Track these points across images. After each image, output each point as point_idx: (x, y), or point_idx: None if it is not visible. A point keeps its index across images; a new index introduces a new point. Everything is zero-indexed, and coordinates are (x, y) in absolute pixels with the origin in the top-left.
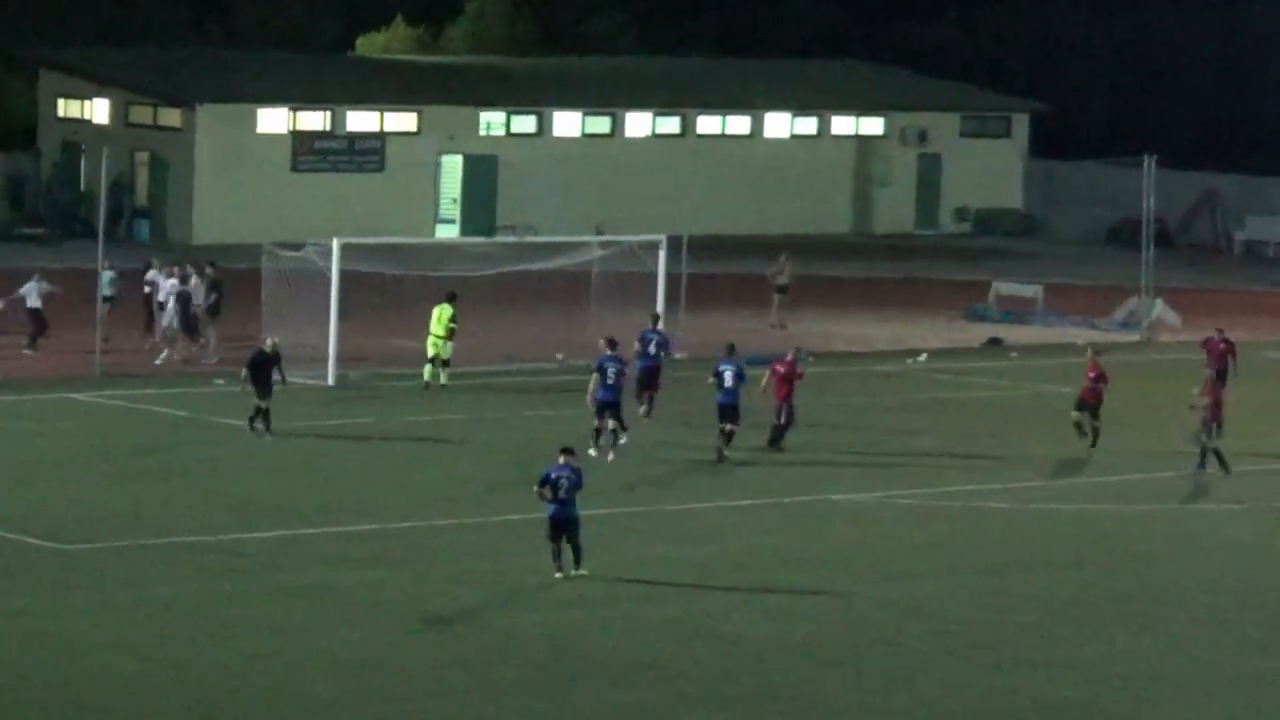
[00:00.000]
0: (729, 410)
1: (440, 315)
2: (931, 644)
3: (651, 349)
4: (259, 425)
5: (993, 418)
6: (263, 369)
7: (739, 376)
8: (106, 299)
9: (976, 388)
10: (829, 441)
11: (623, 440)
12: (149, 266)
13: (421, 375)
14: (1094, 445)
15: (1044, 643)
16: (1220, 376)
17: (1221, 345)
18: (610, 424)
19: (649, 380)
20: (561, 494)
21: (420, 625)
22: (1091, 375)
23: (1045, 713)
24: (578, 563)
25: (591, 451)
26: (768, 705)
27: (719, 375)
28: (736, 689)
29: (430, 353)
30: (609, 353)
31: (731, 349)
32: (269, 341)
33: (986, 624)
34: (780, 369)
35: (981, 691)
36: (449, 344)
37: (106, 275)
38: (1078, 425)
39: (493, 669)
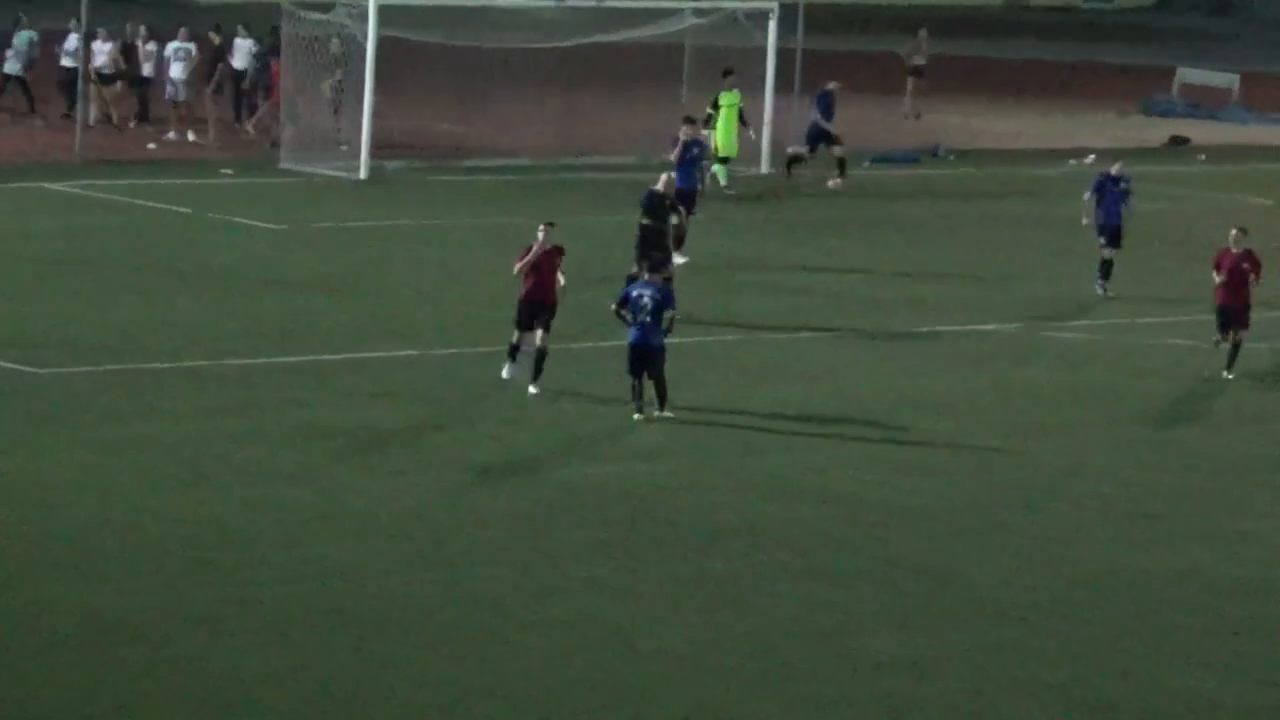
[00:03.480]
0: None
1: (725, 101)
2: (1083, 512)
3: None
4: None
5: (1174, 235)
6: (656, 220)
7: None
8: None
9: (1155, 198)
10: (967, 261)
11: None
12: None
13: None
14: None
15: (1222, 511)
16: None
17: None
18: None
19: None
20: (644, 317)
21: (466, 476)
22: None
23: (1223, 597)
24: (661, 403)
25: (678, 259)
26: (885, 578)
27: None
28: (847, 560)
29: (722, 153)
30: (688, 134)
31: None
32: (663, 179)
33: (1151, 487)
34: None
35: (1141, 571)
36: (734, 134)
37: (24, 35)
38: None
39: (553, 530)
